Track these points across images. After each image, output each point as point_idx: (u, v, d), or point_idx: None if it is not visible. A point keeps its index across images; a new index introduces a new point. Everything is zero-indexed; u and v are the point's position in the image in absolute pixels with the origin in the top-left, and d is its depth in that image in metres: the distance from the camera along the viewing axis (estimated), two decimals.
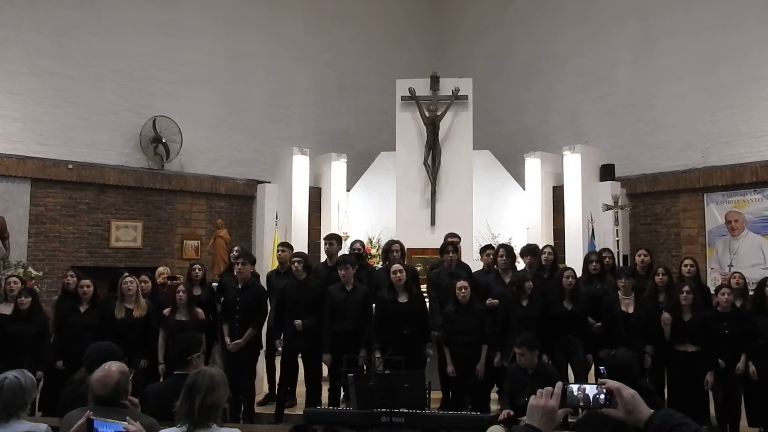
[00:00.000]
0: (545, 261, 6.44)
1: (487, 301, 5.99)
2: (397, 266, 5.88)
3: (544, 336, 5.66)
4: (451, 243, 6.52)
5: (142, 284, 6.10)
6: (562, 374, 5.73)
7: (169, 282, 7.82)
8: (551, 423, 1.53)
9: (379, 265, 8.84)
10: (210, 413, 2.63)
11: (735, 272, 6.28)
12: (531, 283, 5.78)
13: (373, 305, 6.16)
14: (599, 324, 5.83)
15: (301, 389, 6.32)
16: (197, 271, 6.57)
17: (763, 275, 6.70)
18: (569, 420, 4.24)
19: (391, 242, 6.86)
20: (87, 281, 6.07)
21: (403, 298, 5.80)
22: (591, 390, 1.57)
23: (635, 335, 5.51)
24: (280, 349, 6.14)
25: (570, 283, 5.80)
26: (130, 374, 3.05)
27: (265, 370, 6.77)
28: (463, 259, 7.48)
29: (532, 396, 1.58)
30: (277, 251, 6.75)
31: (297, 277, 6.06)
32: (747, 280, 6.27)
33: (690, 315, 5.55)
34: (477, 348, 5.73)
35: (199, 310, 5.94)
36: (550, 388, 1.57)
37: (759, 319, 5.61)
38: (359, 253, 6.98)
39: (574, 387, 1.59)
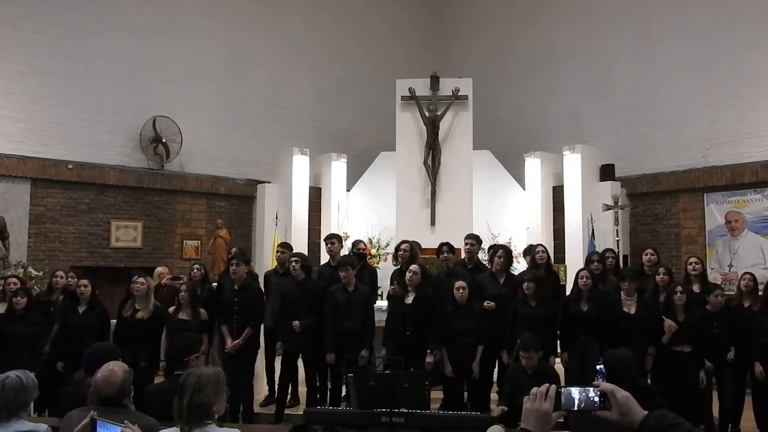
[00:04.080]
0: (539, 260, 6.42)
1: (484, 304, 5.97)
2: (415, 267, 5.91)
3: (557, 336, 5.67)
4: (447, 243, 6.51)
5: (138, 285, 6.07)
6: (574, 375, 5.73)
7: (170, 282, 7.85)
8: (546, 426, 1.54)
9: (379, 266, 8.88)
10: (199, 412, 2.62)
11: (745, 273, 6.21)
12: (529, 284, 5.77)
13: (377, 303, 6.20)
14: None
15: (302, 389, 6.34)
16: (195, 271, 6.60)
17: (764, 275, 6.70)
18: (558, 420, 4.24)
19: (402, 242, 6.86)
20: (84, 281, 6.07)
21: (408, 299, 5.82)
22: (585, 392, 1.58)
23: (637, 336, 5.51)
24: (280, 350, 6.14)
25: (585, 284, 5.78)
26: (131, 374, 3.06)
27: (264, 370, 6.77)
28: None
29: (526, 398, 1.59)
30: (277, 252, 6.76)
31: (295, 277, 6.07)
32: (757, 280, 6.15)
33: (684, 315, 5.57)
34: (475, 348, 5.74)
35: (202, 310, 5.96)
36: (543, 388, 1.57)
37: (766, 318, 5.62)
38: (362, 253, 6.98)
39: (569, 389, 1.59)
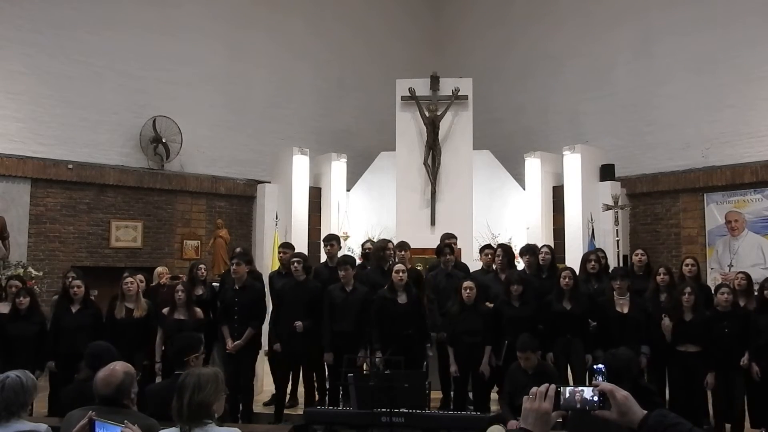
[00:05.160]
0: (542, 261, 6.43)
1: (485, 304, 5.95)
2: (399, 266, 5.88)
3: (542, 336, 5.67)
4: (448, 245, 6.52)
5: (128, 285, 6.05)
6: (561, 374, 5.74)
7: (170, 282, 7.84)
8: (545, 426, 1.54)
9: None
10: (198, 412, 2.62)
11: (739, 272, 6.23)
12: (518, 286, 5.76)
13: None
14: (595, 324, 5.83)
15: (301, 389, 6.34)
16: (202, 270, 6.57)
17: (764, 275, 6.69)
18: (558, 419, 4.24)
19: (386, 241, 6.85)
20: (78, 282, 6.06)
21: (402, 299, 5.80)
22: (584, 392, 1.58)
23: (630, 336, 5.50)
24: (278, 350, 6.14)
25: (567, 284, 5.79)
26: (136, 376, 3.05)
27: (265, 370, 6.77)
28: (463, 259, 7.50)
29: (525, 398, 1.58)
30: (279, 252, 6.75)
31: (296, 278, 6.07)
32: (753, 280, 6.17)
33: (691, 315, 5.55)
34: (481, 348, 5.72)
35: (198, 310, 5.94)
36: (543, 388, 1.57)
37: (761, 319, 5.61)
38: (369, 254, 6.97)
39: (568, 389, 1.59)
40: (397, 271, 5.79)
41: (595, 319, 5.82)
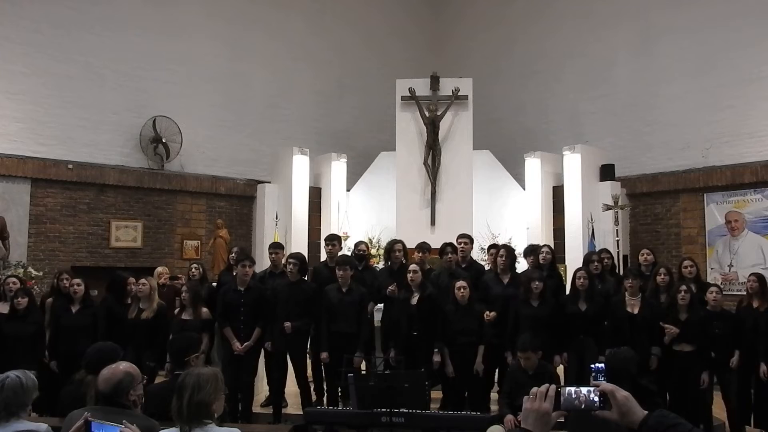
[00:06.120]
0: (543, 260, 6.44)
1: (485, 314, 5.91)
2: (413, 266, 5.90)
3: (558, 336, 5.67)
4: (450, 244, 6.52)
5: (140, 286, 6.08)
6: (573, 374, 5.73)
7: (168, 282, 7.84)
8: (546, 426, 1.54)
9: (380, 266, 8.86)
10: (198, 411, 2.62)
11: (751, 274, 6.08)
12: (539, 283, 5.76)
13: (380, 304, 6.22)
14: (605, 324, 5.80)
15: (295, 389, 6.32)
16: (194, 270, 6.61)
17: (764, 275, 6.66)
18: (558, 420, 4.24)
19: (394, 242, 6.85)
20: (78, 281, 6.06)
21: (413, 299, 5.81)
22: (585, 392, 1.58)
23: (641, 336, 5.49)
24: (269, 350, 6.14)
25: (583, 284, 5.79)
26: (141, 379, 3.04)
27: (265, 371, 6.77)
28: None
29: (525, 398, 1.58)
30: (270, 254, 6.74)
31: (290, 278, 6.07)
32: (766, 281, 5.95)
33: (686, 315, 5.56)
34: (476, 348, 5.72)
35: (205, 309, 5.95)
36: (543, 388, 1.57)
37: None
38: (363, 255, 6.97)
39: (568, 389, 1.59)
40: (409, 271, 5.82)
41: (604, 319, 5.81)
